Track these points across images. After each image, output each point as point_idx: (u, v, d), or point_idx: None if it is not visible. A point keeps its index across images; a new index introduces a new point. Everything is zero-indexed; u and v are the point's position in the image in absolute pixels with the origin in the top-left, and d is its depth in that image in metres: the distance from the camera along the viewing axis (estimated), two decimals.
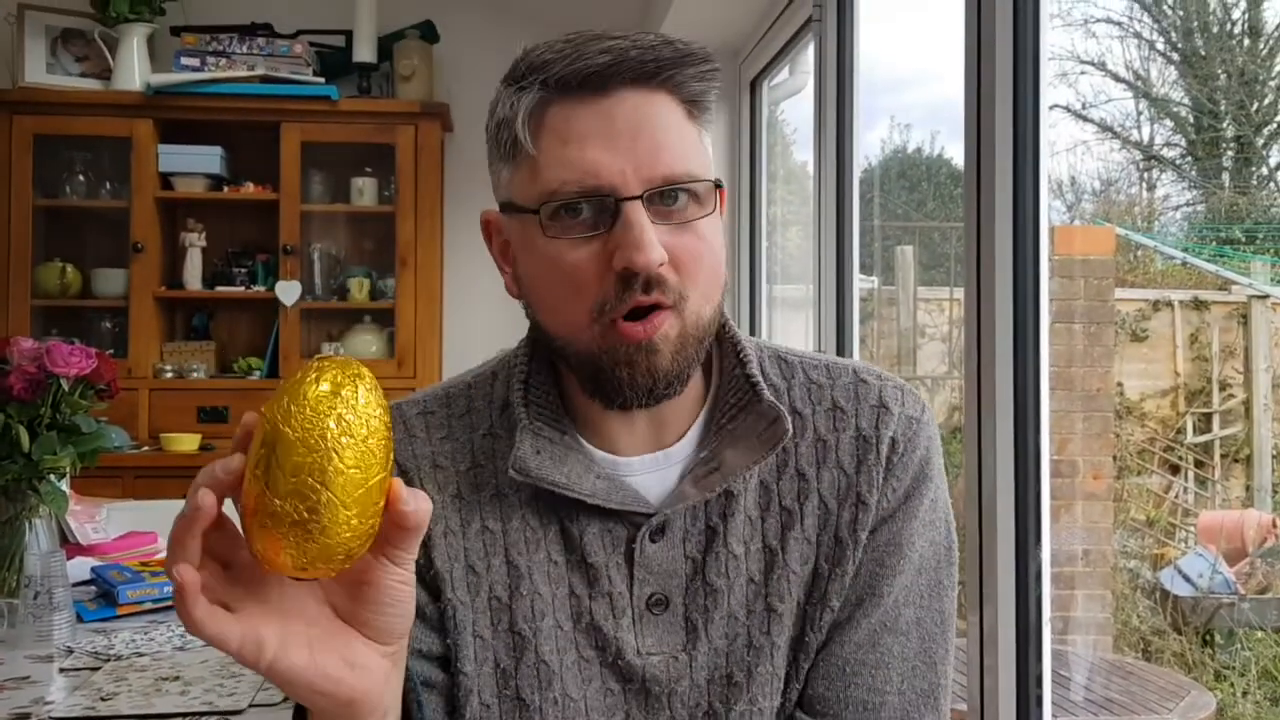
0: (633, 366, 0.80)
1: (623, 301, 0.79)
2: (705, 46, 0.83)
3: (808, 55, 2.73)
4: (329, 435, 0.59)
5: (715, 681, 0.85)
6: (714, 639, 0.85)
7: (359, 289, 3.67)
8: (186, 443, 3.39)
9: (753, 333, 3.27)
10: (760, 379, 0.87)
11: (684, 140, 0.81)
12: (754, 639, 0.85)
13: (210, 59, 3.57)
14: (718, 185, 0.84)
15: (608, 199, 0.78)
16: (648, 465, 0.87)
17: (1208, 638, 3.79)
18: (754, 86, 3.24)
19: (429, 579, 0.86)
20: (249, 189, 3.63)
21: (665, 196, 0.80)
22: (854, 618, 0.86)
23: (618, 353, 0.80)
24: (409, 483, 0.74)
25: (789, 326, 3.33)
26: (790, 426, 0.85)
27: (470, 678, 0.85)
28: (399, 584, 0.66)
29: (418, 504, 0.64)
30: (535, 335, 0.89)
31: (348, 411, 0.60)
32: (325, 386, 0.60)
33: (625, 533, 0.86)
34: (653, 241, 0.77)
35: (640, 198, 0.78)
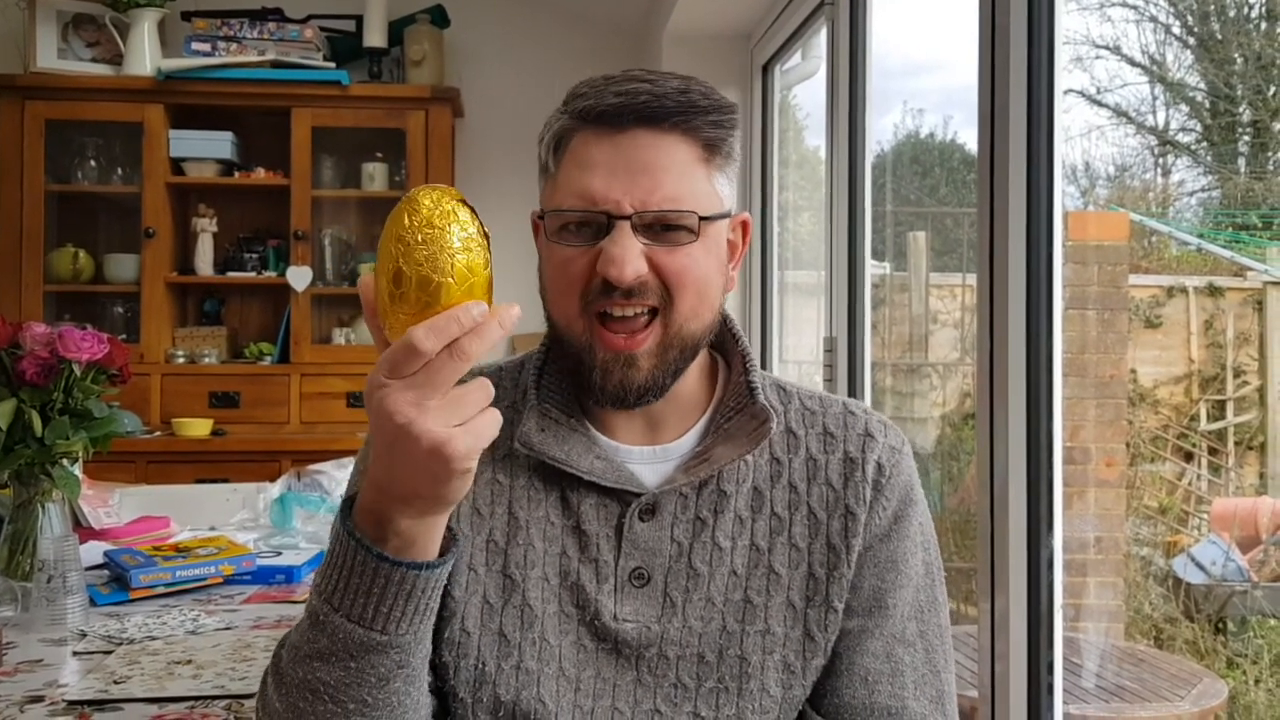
0: (607, 374, 0.91)
1: (602, 298, 0.90)
2: (724, 97, 0.94)
3: (820, 40, 2.71)
4: (444, 232, 0.72)
5: (686, 659, 0.93)
6: (689, 618, 0.94)
7: None
8: (198, 428, 3.40)
9: (763, 319, 3.27)
10: (760, 385, 0.98)
11: (685, 179, 0.90)
12: (728, 625, 0.94)
13: (221, 44, 3.57)
14: (733, 219, 0.95)
15: (602, 217, 0.89)
16: (647, 456, 0.97)
17: (1220, 625, 3.78)
18: (765, 71, 3.22)
19: None
20: (260, 174, 3.63)
21: (656, 226, 0.90)
22: (867, 629, 0.96)
23: (596, 356, 0.91)
24: None
25: (800, 313, 3.32)
26: (774, 425, 0.95)
27: (458, 602, 0.93)
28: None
29: (506, 320, 0.73)
30: (551, 331, 0.98)
31: (453, 218, 0.73)
32: (430, 201, 0.73)
33: (618, 509, 0.95)
34: (630, 260, 0.88)
35: (629, 218, 0.88)
